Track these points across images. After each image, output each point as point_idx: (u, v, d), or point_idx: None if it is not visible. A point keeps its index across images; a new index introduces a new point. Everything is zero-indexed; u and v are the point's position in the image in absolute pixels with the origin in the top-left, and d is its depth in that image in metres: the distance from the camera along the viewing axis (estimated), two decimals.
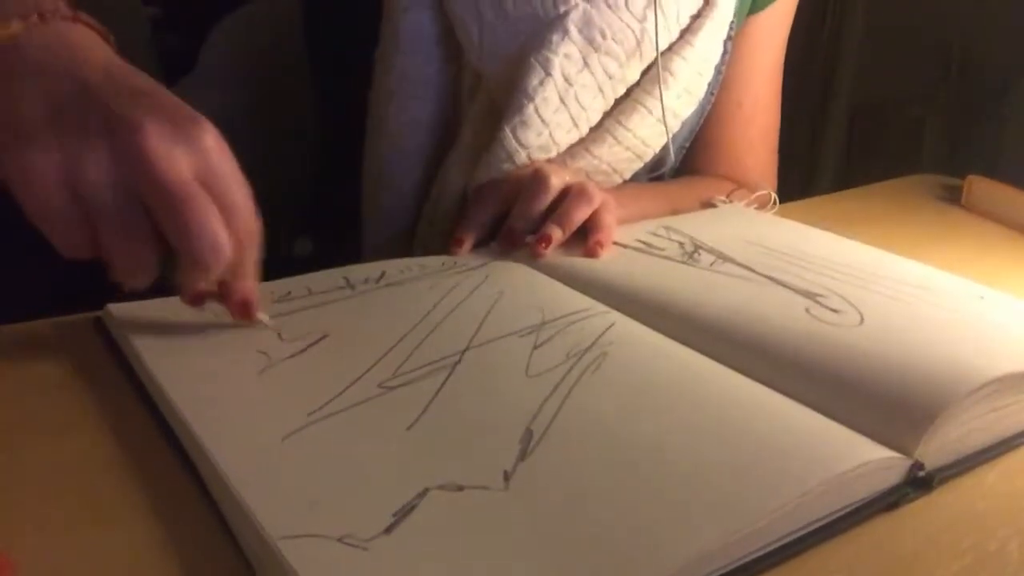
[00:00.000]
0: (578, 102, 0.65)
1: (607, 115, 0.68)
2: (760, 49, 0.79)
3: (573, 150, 0.68)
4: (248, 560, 0.32)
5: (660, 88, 0.67)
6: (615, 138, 0.68)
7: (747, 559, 0.33)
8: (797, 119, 1.50)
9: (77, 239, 0.39)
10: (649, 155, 0.71)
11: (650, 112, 0.68)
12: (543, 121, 0.64)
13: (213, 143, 0.39)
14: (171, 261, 0.40)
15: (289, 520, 0.32)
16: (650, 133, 0.69)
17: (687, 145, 0.78)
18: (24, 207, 0.38)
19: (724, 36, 0.72)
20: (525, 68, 0.63)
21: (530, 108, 0.63)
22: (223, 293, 0.45)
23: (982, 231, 0.77)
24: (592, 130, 0.68)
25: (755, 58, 0.79)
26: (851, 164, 1.49)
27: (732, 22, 0.73)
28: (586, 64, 0.64)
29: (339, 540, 0.31)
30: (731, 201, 0.75)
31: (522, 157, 0.65)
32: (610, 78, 0.66)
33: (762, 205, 0.76)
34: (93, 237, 0.38)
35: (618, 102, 0.68)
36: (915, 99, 1.36)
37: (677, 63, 0.68)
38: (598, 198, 0.61)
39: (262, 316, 0.47)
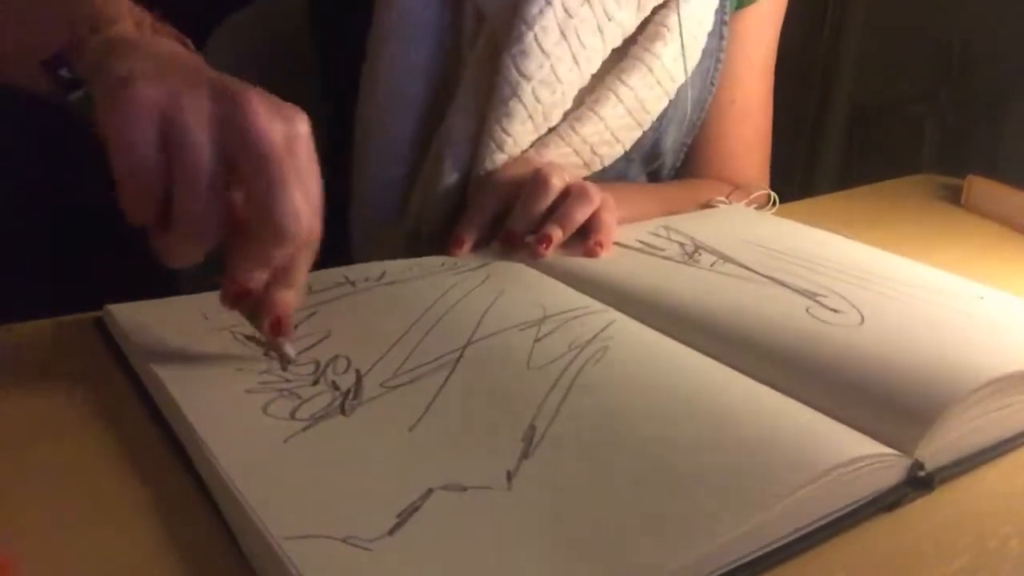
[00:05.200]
0: (578, 38, 0.65)
1: (607, 71, 0.68)
2: (751, 45, 0.80)
3: (579, 112, 0.68)
4: (249, 561, 0.32)
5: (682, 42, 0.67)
6: (618, 96, 0.68)
7: (748, 558, 0.33)
8: (797, 119, 1.50)
9: (150, 189, 0.38)
10: (648, 122, 0.71)
11: (650, 70, 0.68)
12: (543, 52, 0.64)
13: (306, 131, 0.40)
14: (218, 261, 0.40)
15: (292, 521, 0.32)
16: (650, 95, 0.69)
17: (688, 142, 0.78)
18: (110, 145, 0.38)
19: (717, 3, 0.73)
20: None
21: (529, 36, 0.63)
22: (261, 304, 0.42)
23: (982, 231, 0.77)
24: (595, 87, 0.68)
25: (746, 54, 0.80)
26: (851, 164, 1.49)
27: (726, 1, 0.74)
28: None
29: (343, 541, 0.31)
30: (731, 201, 0.75)
31: (527, 91, 0.64)
32: (609, 19, 0.66)
33: (762, 205, 0.76)
34: (165, 193, 0.38)
35: (618, 57, 0.69)
36: (915, 99, 1.36)
37: (672, 19, 0.69)
38: (598, 198, 0.61)
39: (288, 348, 0.43)
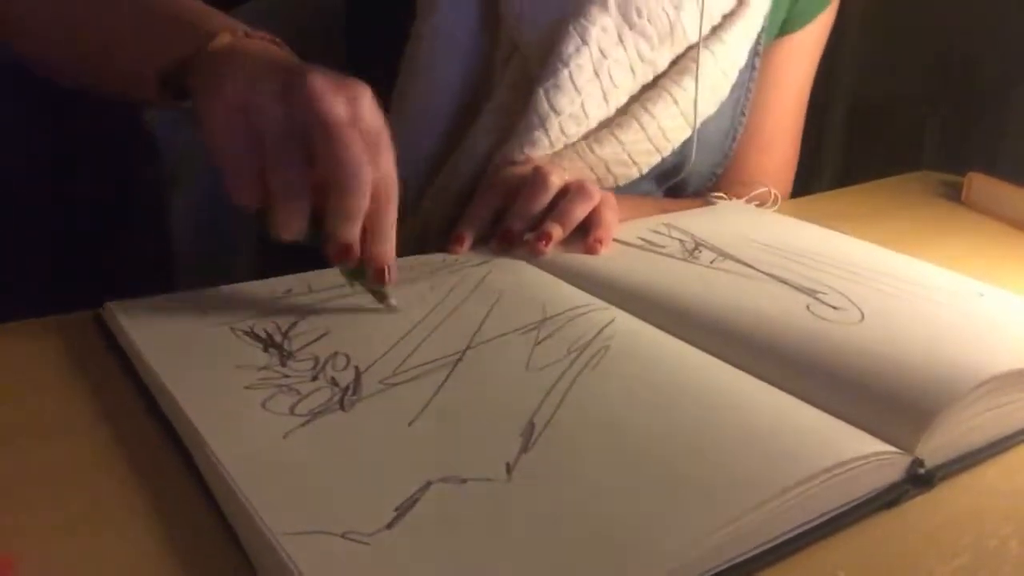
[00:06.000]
0: (611, 77, 0.67)
1: (634, 99, 0.69)
2: (786, 74, 0.80)
3: (599, 135, 0.68)
4: (249, 558, 0.32)
5: (698, 71, 0.68)
6: (640, 124, 0.68)
7: (748, 555, 0.33)
8: None
9: (247, 169, 0.45)
10: (668, 150, 0.71)
11: (675, 102, 0.69)
12: (576, 88, 0.65)
13: (368, 101, 0.46)
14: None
15: (291, 516, 0.32)
16: (672, 125, 0.70)
17: (718, 172, 0.78)
18: (207, 137, 0.45)
19: (752, 42, 0.73)
20: (562, 34, 0.65)
21: (564, 72, 0.65)
22: (364, 261, 0.48)
23: (982, 228, 0.77)
24: (619, 113, 0.69)
25: (780, 84, 0.79)
26: (851, 163, 1.49)
27: (761, 35, 0.73)
28: (621, 40, 0.66)
29: (341, 536, 0.31)
30: (731, 198, 0.75)
31: (554, 124, 0.65)
32: (642, 60, 0.68)
33: (763, 202, 0.76)
34: (260, 172, 0.44)
35: (645, 88, 0.69)
36: (915, 99, 1.36)
37: (705, 57, 0.69)
38: (597, 195, 0.61)
39: (392, 299, 0.50)
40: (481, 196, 0.64)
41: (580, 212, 0.60)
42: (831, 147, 1.51)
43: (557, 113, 0.65)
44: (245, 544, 0.32)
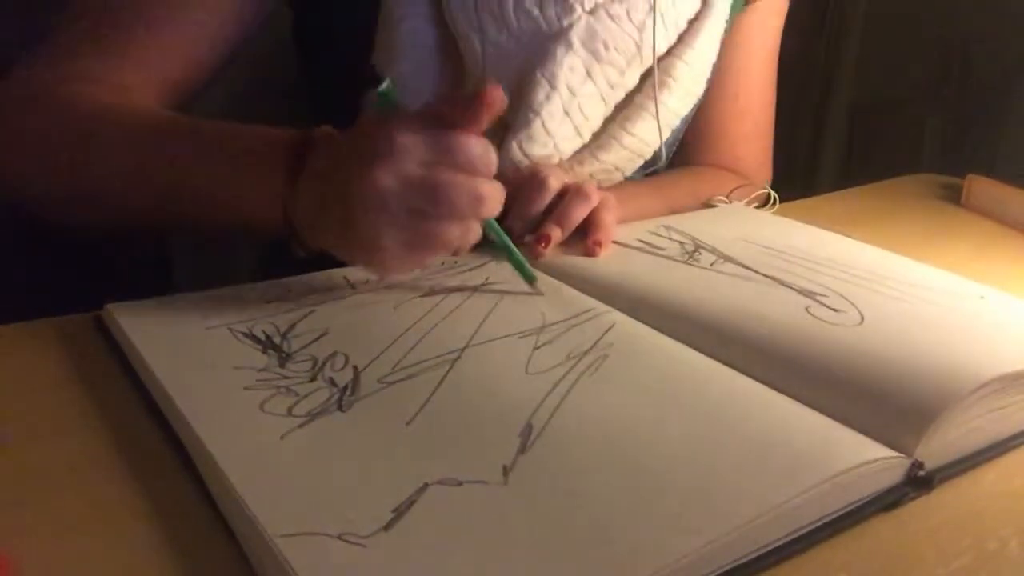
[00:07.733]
0: (581, 112, 0.66)
1: (611, 121, 0.69)
2: (753, 41, 0.80)
3: (580, 156, 0.69)
4: (248, 559, 0.32)
5: (655, 91, 0.68)
6: (621, 144, 0.69)
7: (747, 558, 0.33)
8: (797, 119, 1.50)
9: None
10: (649, 153, 0.72)
11: (654, 117, 0.69)
12: (548, 133, 0.65)
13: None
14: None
15: (288, 518, 0.32)
16: (653, 136, 0.70)
17: (680, 136, 0.79)
18: None
19: (720, 36, 0.73)
20: (531, 83, 0.64)
21: (537, 122, 0.64)
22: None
23: (982, 230, 0.77)
24: (597, 136, 0.69)
25: (749, 50, 0.80)
26: (851, 164, 1.49)
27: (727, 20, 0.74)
28: (589, 75, 0.66)
29: (338, 537, 0.31)
30: (731, 201, 0.75)
31: (524, 164, 0.66)
32: (612, 87, 0.67)
33: (762, 204, 0.76)
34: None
35: (620, 107, 0.69)
36: (915, 99, 1.36)
37: (679, 68, 0.69)
38: (596, 197, 0.61)
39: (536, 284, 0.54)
40: None
41: (579, 214, 0.60)
42: (831, 147, 1.51)
43: (530, 158, 0.65)
44: (243, 545, 0.32)
